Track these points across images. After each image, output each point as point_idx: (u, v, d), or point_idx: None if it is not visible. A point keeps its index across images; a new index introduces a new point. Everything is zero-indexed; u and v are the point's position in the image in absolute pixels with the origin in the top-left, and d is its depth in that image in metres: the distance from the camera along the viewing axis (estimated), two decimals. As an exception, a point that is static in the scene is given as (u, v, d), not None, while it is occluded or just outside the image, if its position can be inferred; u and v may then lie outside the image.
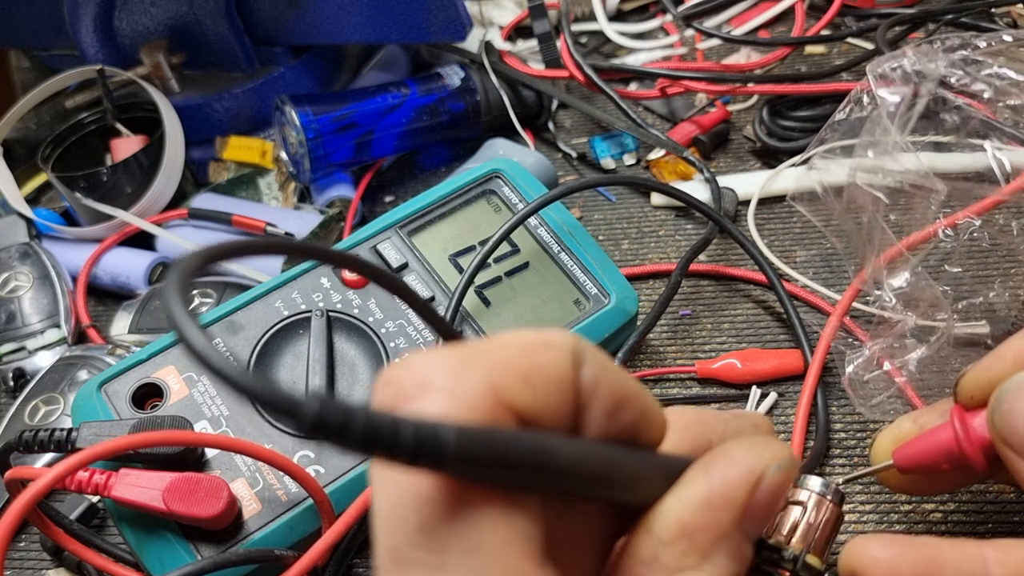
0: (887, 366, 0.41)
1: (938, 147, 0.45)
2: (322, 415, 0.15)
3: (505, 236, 0.44)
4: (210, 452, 0.38)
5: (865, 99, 0.44)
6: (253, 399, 0.15)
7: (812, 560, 0.27)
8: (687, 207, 0.57)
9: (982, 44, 0.43)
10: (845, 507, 0.39)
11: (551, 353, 0.19)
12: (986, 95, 0.42)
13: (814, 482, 0.30)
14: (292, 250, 0.21)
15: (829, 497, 0.29)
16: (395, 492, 0.18)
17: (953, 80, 0.43)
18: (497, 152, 0.60)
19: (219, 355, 0.15)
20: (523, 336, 0.19)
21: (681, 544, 0.20)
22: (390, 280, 0.23)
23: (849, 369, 0.41)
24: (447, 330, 0.32)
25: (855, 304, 0.45)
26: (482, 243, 0.45)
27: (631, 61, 0.68)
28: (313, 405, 0.15)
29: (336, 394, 0.41)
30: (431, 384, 0.18)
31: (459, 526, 0.17)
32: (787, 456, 0.22)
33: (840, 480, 0.34)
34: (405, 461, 0.16)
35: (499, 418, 0.18)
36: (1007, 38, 0.43)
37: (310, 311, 0.43)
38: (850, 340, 0.45)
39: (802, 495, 0.30)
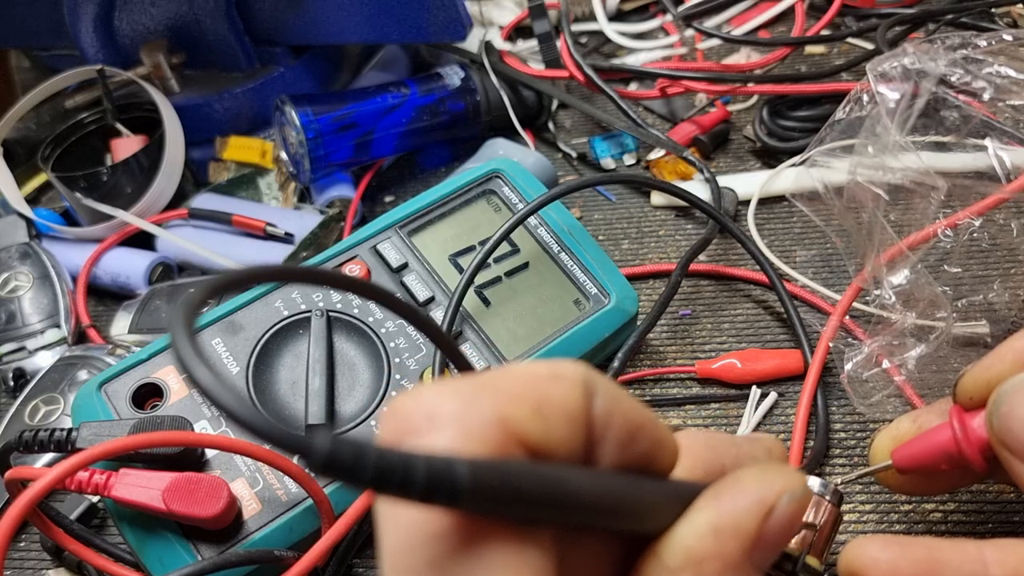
0: (886, 364, 0.41)
1: (938, 146, 0.45)
2: (333, 455, 0.15)
3: (505, 236, 0.44)
4: (210, 452, 0.38)
5: (865, 98, 0.44)
6: (264, 439, 0.15)
7: (811, 561, 0.27)
8: (687, 207, 0.57)
9: (982, 43, 0.43)
10: (845, 507, 0.39)
11: (562, 385, 0.19)
12: (986, 94, 0.42)
13: (813, 483, 0.30)
14: (296, 278, 0.20)
15: (828, 498, 0.29)
16: (404, 529, 0.17)
17: (953, 78, 0.43)
18: (497, 152, 0.60)
19: (230, 393, 0.15)
20: (534, 367, 0.19)
21: (688, 573, 0.20)
22: (397, 303, 0.22)
23: (848, 367, 0.41)
24: (446, 343, 0.32)
25: (855, 304, 0.45)
26: (482, 243, 0.45)
27: (631, 61, 0.68)
28: (324, 445, 0.15)
29: (336, 394, 0.41)
30: (440, 416, 0.17)
31: (471, 563, 0.17)
32: (800, 486, 0.21)
33: (839, 481, 0.34)
34: (418, 499, 0.16)
35: (510, 451, 0.17)
36: (1007, 37, 0.43)
37: (310, 311, 0.43)
38: (849, 339, 0.45)
39: None
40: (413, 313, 0.22)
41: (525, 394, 0.18)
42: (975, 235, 0.41)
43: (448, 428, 0.17)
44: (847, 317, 0.45)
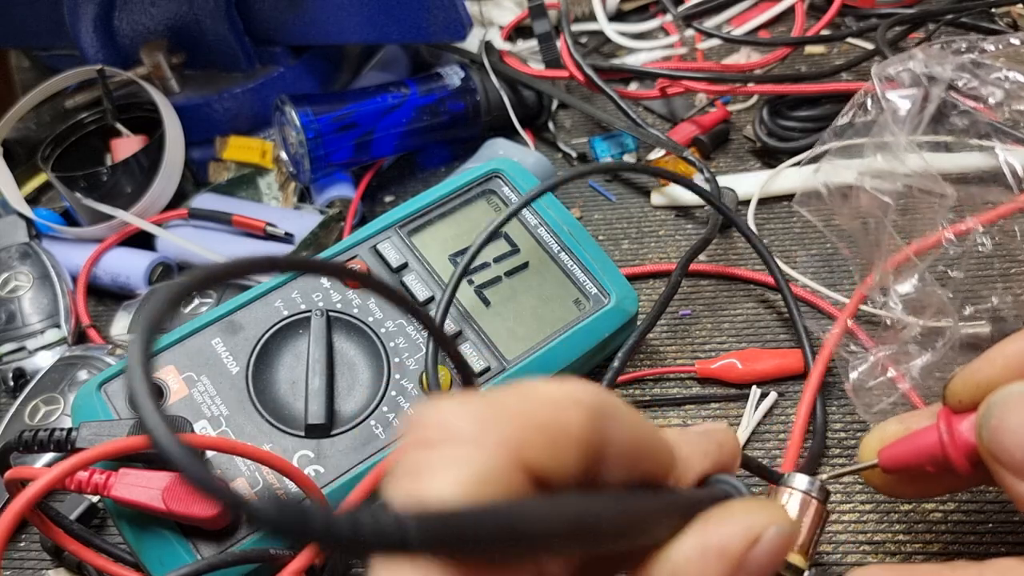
0: (891, 372, 0.41)
1: (947, 152, 0.44)
2: (279, 519, 0.15)
3: (499, 227, 0.43)
4: (210, 452, 0.38)
5: (869, 103, 0.44)
6: (210, 495, 0.15)
7: (795, 559, 0.27)
8: (687, 207, 0.57)
9: (989, 47, 0.43)
10: (845, 507, 0.39)
11: (578, 412, 0.19)
12: (994, 99, 0.42)
13: (800, 480, 0.30)
14: (283, 267, 0.20)
15: (814, 494, 0.29)
16: None
17: (961, 83, 0.42)
18: (497, 152, 0.60)
19: (165, 436, 0.15)
20: (551, 390, 0.20)
21: None
22: (396, 294, 0.22)
23: (853, 375, 0.41)
24: (447, 343, 0.32)
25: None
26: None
27: (631, 61, 0.68)
28: (270, 511, 0.15)
29: (336, 394, 0.41)
30: (457, 435, 0.18)
31: None
32: (787, 521, 0.22)
33: (824, 476, 0.34)
34: (367, 553, 0.16)
35: (513, 475, 0.18)
36: (1015, 41, 0.43)
37: (310, 311, 0.42)
38: (850, 346, 0.44)
39: (785, 494, 0.30)
40: (402, 299, 0.22)
41: (540, 423, 0.19)
42: (983, 242, 0.41)
43: (461, 447, 0.18)
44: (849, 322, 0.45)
